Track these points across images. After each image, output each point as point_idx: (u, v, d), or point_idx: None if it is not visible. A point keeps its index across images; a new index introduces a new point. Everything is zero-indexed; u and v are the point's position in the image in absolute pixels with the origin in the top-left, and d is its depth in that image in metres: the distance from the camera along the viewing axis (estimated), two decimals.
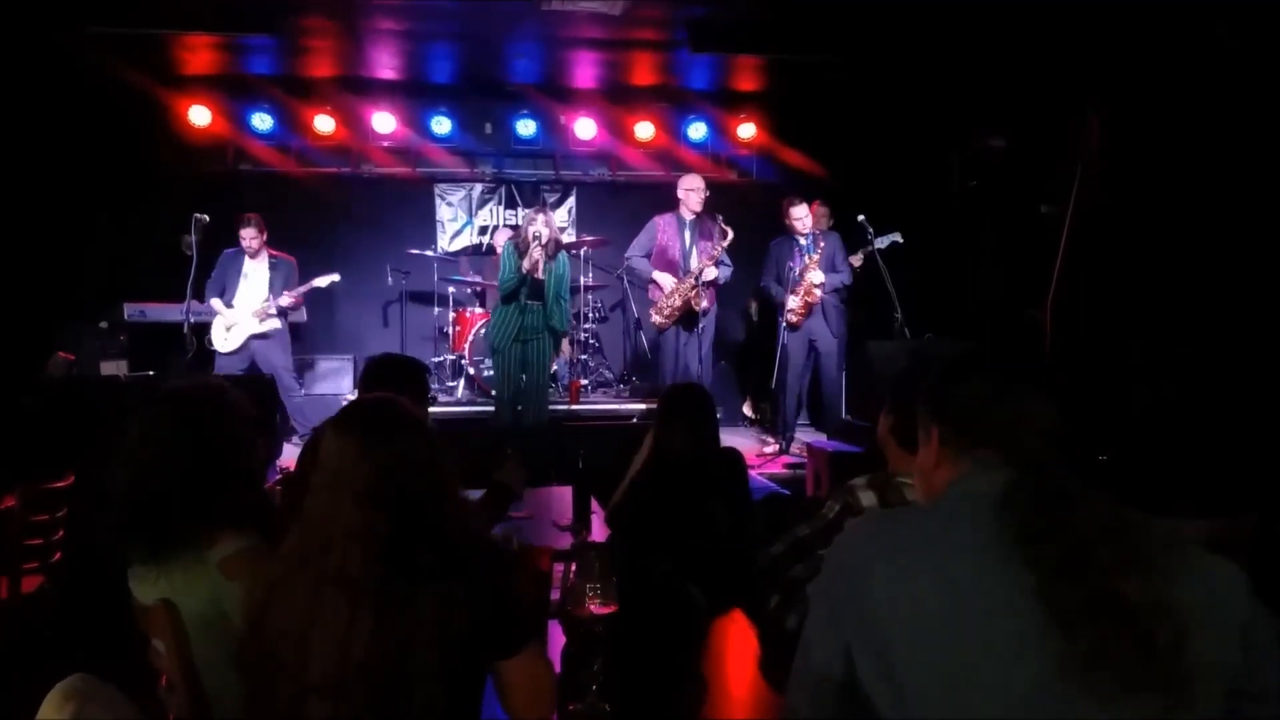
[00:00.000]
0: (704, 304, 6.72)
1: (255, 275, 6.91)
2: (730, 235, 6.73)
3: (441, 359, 8.26)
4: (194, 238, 6.39)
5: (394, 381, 2.87)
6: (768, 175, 8.98)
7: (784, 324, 6.77)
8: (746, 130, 8.72)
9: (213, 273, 6.86)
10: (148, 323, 7.19)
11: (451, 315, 8.13)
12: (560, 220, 9.25)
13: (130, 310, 7.11)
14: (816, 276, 6.69)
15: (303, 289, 6.98)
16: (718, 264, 6.79)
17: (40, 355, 6.51)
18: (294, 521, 1.77)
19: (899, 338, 6.39)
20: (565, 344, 7.90)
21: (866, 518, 1.48)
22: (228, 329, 6.83)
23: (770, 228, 7.22)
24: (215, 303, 6.81)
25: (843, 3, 6.21)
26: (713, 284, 6.82)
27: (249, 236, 6.81)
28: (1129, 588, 1.18)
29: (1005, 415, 1.38)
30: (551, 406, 7.22)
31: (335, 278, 7.11)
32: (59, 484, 3.78)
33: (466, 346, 7.80)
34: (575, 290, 8.43)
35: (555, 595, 2.31)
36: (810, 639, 1.38)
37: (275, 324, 6.91)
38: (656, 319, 6.89)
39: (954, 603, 1.24)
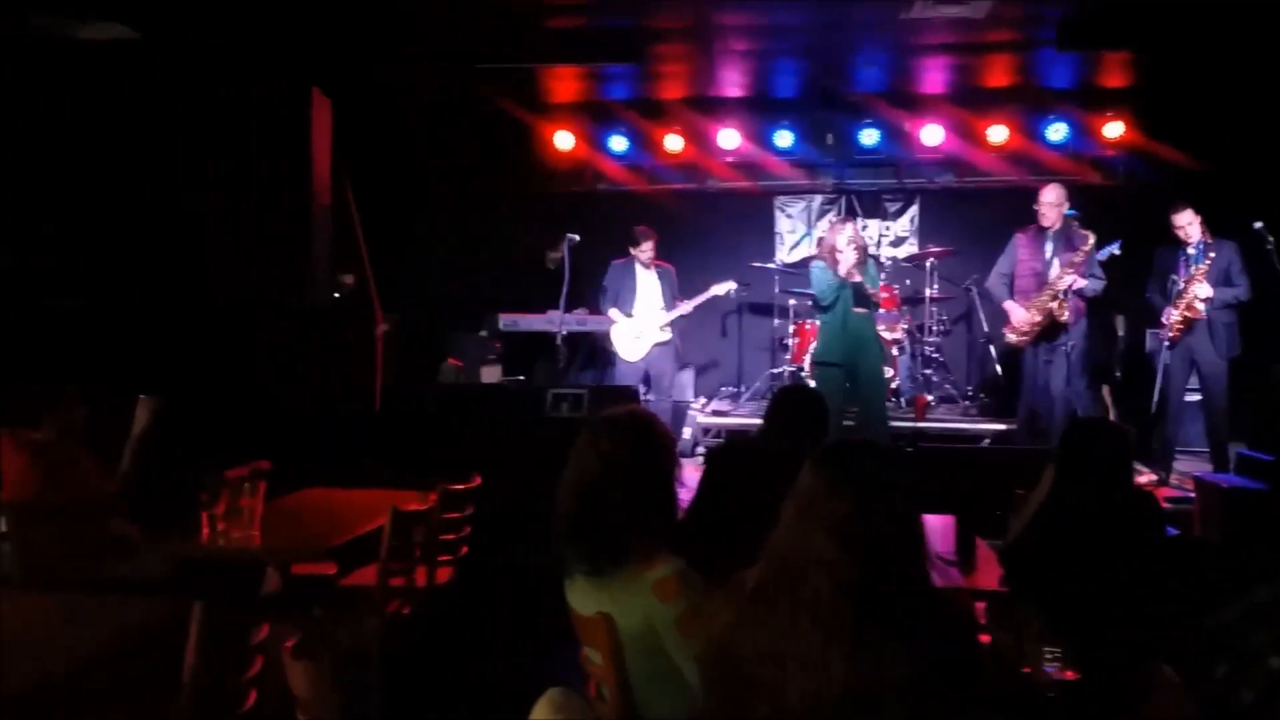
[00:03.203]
0: (1066, 315, 6.24)
1: (648, 284, 7.28)
2: (1091, 240, 6.24)
3: (780, 370, 8.32)
4: (566, 256, 6.86)
5: (799, 413, 2.93)
6: (1138, 176, 8.25)
7: (1165, 341, 6.17)
8: (1114, 129, 8.08)
9: (605, 285, 7.29)
10: (519, 332, 7.79)
11: (791, 327, 8.18)
12: (902, 229, 9.05)
13: (505, 320, 7.72)
14: (1203, 290, 6.04)
15: (701, 297, 7.29)
16: (1085, 275, 6.28)
17: (434, 363, 7.29)
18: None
19: None
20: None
21: None
22: (636, 337, 7.23)
23: (1139, 233, 6.62)
24: (613, 313, 7.23)
25: None
26: (1078, 295, 6.30)
27: (649, 249, 7.18)
28: None
29: None
30: (893, 423, 7.06)
31: (732, 285, 7.35)
32: (467, 485, 4.19)
33: (806, 359, 7.80)
34: (919, 301, 8.24)
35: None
36: None
37: (670, 331, 7.29)
38: (1011, 337, 6.48)
39: None
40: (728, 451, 3.19)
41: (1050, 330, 6.28)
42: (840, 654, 1.57)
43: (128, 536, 3.86)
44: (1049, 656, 1.70)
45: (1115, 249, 6.34)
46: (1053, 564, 2.60)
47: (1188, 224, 6.18)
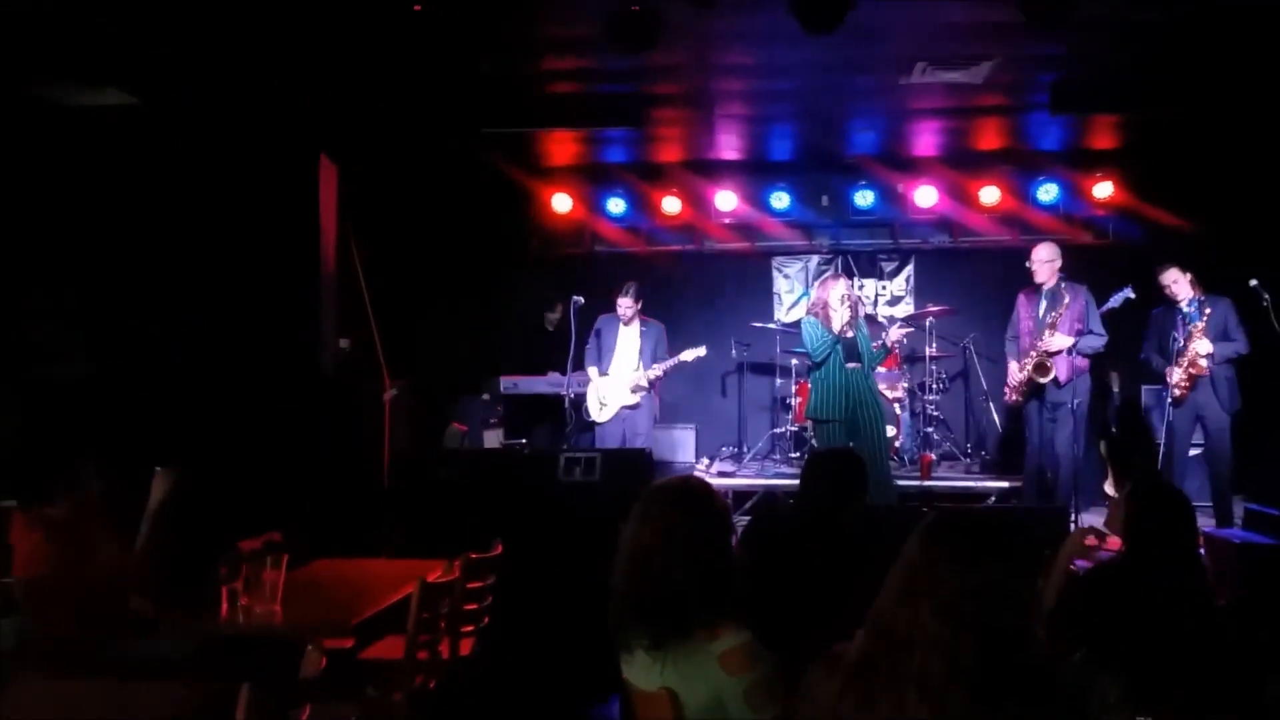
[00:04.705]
0: (1051, 376, 6.31)
1: (627, 343, 7.19)
2: (1066, 300, 6.36)
3: (783, 430, 8.32)
4: (571, 318, 6.84)
5: (837, 477, 2.92)
6: (1128, 235, 8.39)
7: (1169, 399, 6.25)
8: (1103, 190, 8.22)
9: (589, 340, 7.21)
10: (519, 394, 7.77)
11: (793, 386, 8.19)
12: (898, 289, 9.14)
13: (505, 383, 7.70)
14: (1203, 346, 6.15)
15: (669, 363, 7.15)
16: (1079, 333, 6.36)
17: (440, 426, 7.23)
18: None
19: None
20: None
21: None
22: (602, 401, 7.15)
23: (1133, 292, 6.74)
24: (592, 371, 7.15)
25: (1215, 51, 5.78)
26: (1067, 353, 6.35)
27: (625, 305, 7.09)
28: None
29: None
30: (900, 481, 7.05)
31: (701, 352, 7.22)
32: (490, 554, 4.12)
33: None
34: (919, 359, 8.30)
35: None
36: None
37: (639, 396, 7.19)
38: (1009, 396, 6.71)
39: None
40: (763, 520, 3.17)
41: (1050, 388, 6.35)
42: None
43: (147, 614, 3.74)
44: None
45: (1129, 293, 6.35)
46: (1121, 631, 2.57)
47: (1173, 282, 6.33)
